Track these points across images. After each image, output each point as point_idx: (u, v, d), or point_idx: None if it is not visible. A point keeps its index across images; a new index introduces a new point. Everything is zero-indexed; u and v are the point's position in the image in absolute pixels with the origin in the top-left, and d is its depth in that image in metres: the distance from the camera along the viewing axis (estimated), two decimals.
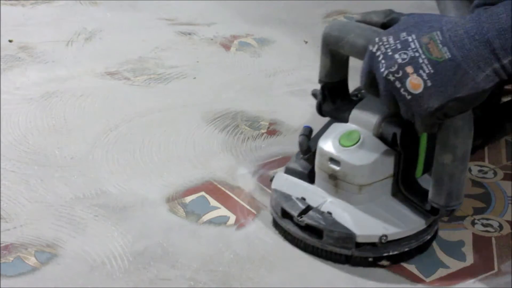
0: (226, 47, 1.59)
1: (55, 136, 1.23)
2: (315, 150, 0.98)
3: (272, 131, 1.26)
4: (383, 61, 0.86)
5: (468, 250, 0.98)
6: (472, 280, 0.94)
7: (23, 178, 1.12)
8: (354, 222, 0.94)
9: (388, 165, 0.94)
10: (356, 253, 0.94)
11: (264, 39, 1.62)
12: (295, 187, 1.00)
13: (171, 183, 1.12)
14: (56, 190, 1.09)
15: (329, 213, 0.95)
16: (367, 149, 0.93)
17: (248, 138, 1.24)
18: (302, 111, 1.33)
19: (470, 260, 0.97)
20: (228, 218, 1.04)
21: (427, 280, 0.94)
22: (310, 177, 1.00)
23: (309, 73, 1.47)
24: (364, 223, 0.94)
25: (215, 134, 1.25)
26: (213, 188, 1.11)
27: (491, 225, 1.03)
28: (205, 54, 1.55)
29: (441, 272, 0.95)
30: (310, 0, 1.83)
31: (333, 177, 0.95)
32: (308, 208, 0.96)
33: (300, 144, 1.00)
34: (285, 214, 0.98)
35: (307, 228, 0.95)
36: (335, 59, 0.98)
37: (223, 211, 1.06)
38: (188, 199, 1.08)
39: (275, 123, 1.29)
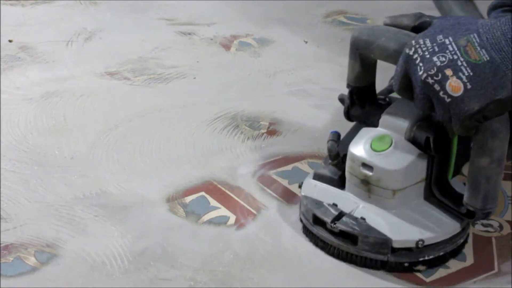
0: (226, 47, 1.59)
1: (55, 136, 1.23)
2: (344, 155, 0.97)
3: (272, 131, 1.26)
4: (421, 64, 0.86)
5: (468, 250, 0.98)
6: (472, 280, 0.94)
7: (23, 178, 1.12)
8: (389, 227, 0.93)
9: (421, 169, 0.94)
10: (391, 259, 0.93)
11: (264, 39, 1.62)
12: (326, 193, 0.99)
13: (171, 183, 1.12)
14: (56, 190, 1.09)
15: (363, 218, 0.94)
16: (400, 154, 0.93)
17: (248, 138, 1.24)
18: (302, 111, 1.33)
19: (470, 260, 0.97)
20: (228, 218, 1.04)
21: (427, 280, 0.94)
22: (340, 183, 0.98)
23: (309, 73, 1.47)
24: (399, 228, 0.93)
25: (215, 134, 1.25)
26: (213, 188, 1.11)
27: (491, 225, 1.03)
28: (205, 54, 1.55)
29: (441, 272, 0.95)
30: (310, 0, 1.83)
31: (366, 182, 0.94)
32: (341, 214, 0.95)
33: (329, 150, 0.99)
34: (317, 221, 0.97)
35: (341, 234, 0.94)
36: (364, 63, 0.97)
37: (223, 211, 1.06)
38: (188, 199, 1.08)
39: (275, 123, 1.29)
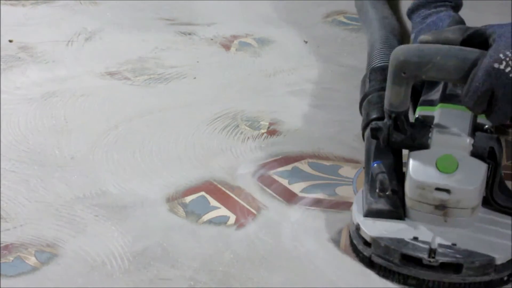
0: (226, 47, 1.59)
1: (55, 136, 1.23)
2: (394, 185, 0.94)
3: (272, 131, 1.26)
4: None
5: None
6: None
7: (23, 178, 1.12)
8: (485, 246, 0.90)
9: (486, 179, 0.93)
10: (495, 276, 0.90)
11: (264, 39, 1.62)
12: (396, 228, 0.93)
13: (171, 183, 1.12)
14: (56, 190, 1.09)
15: (454, 244, 0.90)
16: (470, 170, 0.91)
17: (248, 138, 1.24)
18: (302, 111, 1.33)
19: None
20: (228, 218, 1.04)
21: None
22: (400, 214, 0.95)
23: (309, 73, 1.47)
24: (494, 244, 0.90)
25: (215, 134, 1.25)
26: (213, 188, 1.11)
27: None
28: (205, 54, 1.55)
29: None
30: (310, 0, 1.83)
31: (442, 207, 0.91)
32: (431, 246, 0.90)
33: (382, 183, 0.95)
34: (408, 259, 0.91)
35: (441, 267, 0.89)
36: (409, 86, 0.94)
37: (223, 211, 1.06)
38: (188, 199, 1.08)
39: (275, 123, 1.29)
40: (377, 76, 1.14)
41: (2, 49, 1.53)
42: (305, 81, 1.44)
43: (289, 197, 1.08)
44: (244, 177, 1.13)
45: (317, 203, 1.07)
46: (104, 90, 1.39)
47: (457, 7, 1.23)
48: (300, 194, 1.09)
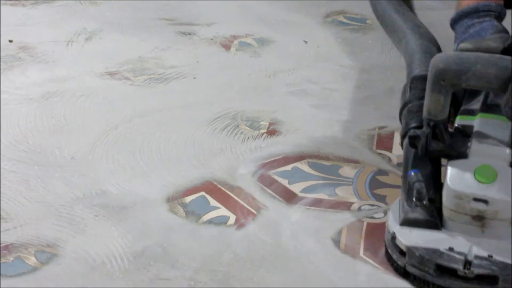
0: (226, 47, 1.59)
1: (55, 136, 1.23)
2: (431, 194, 0.93)
3: (272, 131, 1.26)
4: None
5: None
6: None
7: (23, 178, 1.12)
8: None
9: None
10: None
11: (264, 39, 1.62)
12: (432, 238, 0.92)
13: (171, 183, 1.12)
14: (56, 190, 1.09)
15: (490, 256, 0.89)
16: (509, 181, 0.90)
17: (248, 138, 1.24)
18: (302, 111, 1.33)
19: None
20: (228, 218, 1.04)
21: None
22: (437, 224, 0.93)
23: (309, 73, 1.47)
24: None
25: (215, 134, 1.25)
26: (213, 188, 1.11)
27: None
28: (205, 54, 1.55)
29: None
30: (310, 0, 1.83)
31: (479, 218, 0.90)
32: (467, 257, 0.89)
33: (420, 192, 0.93)
34: (443, 270, 0.89)
35: (477, 278, 0.88)
36: (448, 95, 0.92)
37: (223, 211, 1.06)
38: (188, 199, 1.08)
39: (275, 123, 1.29)
40: (418, 84, 1.11)
41: (2, 49, 1.53)
42: (305, 81, 1.44)
43: (289, 197, 1.08)
44: (244, 177, 1.13)
45: (317, 203, 1.07)
46: (104, 90, 1.39)
47: (500, 17, 1.20)
48: (300, 194, 1.09)
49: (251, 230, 1.02)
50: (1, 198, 1.06)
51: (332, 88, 1.41)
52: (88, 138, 1.22)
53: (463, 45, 0.97)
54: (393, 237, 0.94)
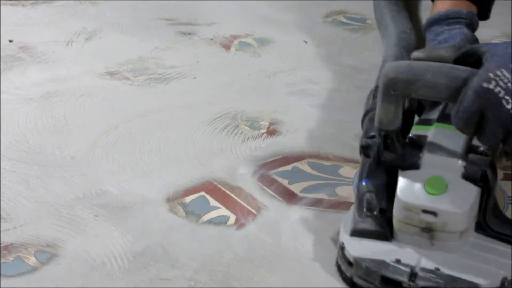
0: (226, 47, 1.59)
1: (55, 136, 1.23)
2: (382, 205, 0.92)
3: (272, 131, 1.26)
4: (507, 97, 0.82)
5: None
6: None
7: (23, 178, 1.12)
8: (471, 272, 0.86)
9: (478, 204, 0.90)
10: None
11: (264, 39, 1.62)
12: (379, 249, 0.90)
13: (171, 183, 1.12)
14: (56, 190, 1.09)
15: (437, 269, 0.87)
16: (460, 193, 0.88)
17: (248, 138, 1.24)
18: (302, 111, 1.33)
19: None
20: (228, 218, 1.04)
21: None
22: (387, 235, 0.91)
23: (309, 73, 1.47)
24: (480, 270, 0.86)
25: (215, 134, 1.25)
26: (213, 188, 1.11)
27: None
28: (205, 54, 1.55)
29: None
30: (310, 0, 1.83)
31: (428, 230, 0.88)
32: (413, 269, 0.87)
33: (369, 202, 0.92)
34: (388, 282, 0.88)
35: None
36: (399, 104, 0.90)
37: (223, 211, 1.06)
38: (188, 199, 1.08)
39: (275, 123, 1.29)
40: None
41: (2, 49, 1.53)
42: (305, 81, 1.44)
43: (289, 197, 1.08)
44: (244, 177, 1.13)
45: (317, 203, 1.07)
46: (104, 90, 1.39)
47: (472, 25, 1.17)
48: (300, 194, 1.09)
49: (251, 230, 1.02)
50: (1, 198, 1.06)
51: (332, 88, 1.41)
52: (88, 138, 1.22)
53: (415, 54, 0.94)
54: (342, 248, 0.92)
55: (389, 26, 1.47)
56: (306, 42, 1.60)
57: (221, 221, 1.03)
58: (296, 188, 1.10)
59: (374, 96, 1.09)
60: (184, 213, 1.05)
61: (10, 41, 1.57)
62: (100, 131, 1.24)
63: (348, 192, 1.09)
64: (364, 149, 0.95)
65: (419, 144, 0.93)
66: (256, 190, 1.10)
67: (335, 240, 0.99)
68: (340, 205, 1.06)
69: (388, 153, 0.93)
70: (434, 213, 0.87)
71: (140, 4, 1.80)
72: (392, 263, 0.88)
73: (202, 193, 1.10)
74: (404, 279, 0.86)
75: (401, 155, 0.93)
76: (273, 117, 1.31)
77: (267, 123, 1.29)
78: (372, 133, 1.00)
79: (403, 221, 0.90)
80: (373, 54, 1.55)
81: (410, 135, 0.96)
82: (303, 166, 1.16)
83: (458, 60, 0.89)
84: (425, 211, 0.88)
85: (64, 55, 1.53)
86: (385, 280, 0.88)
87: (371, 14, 1.65)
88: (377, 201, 0.92)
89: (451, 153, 0.91)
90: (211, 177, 1.13)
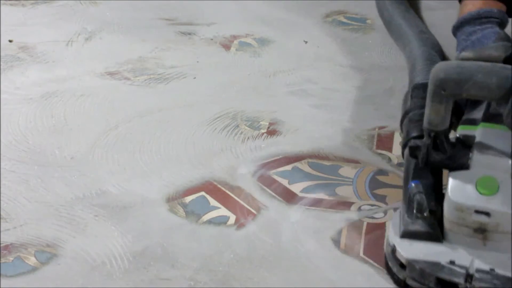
0: (226, 47, 1.59)
1: (55, 136, 1.23)
2: (432, 206, 0.92)
3: (272, 131, 1.26)
4: None
5: None
6: None
7: (23, 178, 1.12)
8: None
9: None
10: None
11: (264, 39, 1.62)
12: (433, 251, 0.90)
13: (171, 183, 1.12)
14: (56, 190, 1.09)
15: (492, 269, 0.87)
16: (510, 192, 0.88)
17: (248, 138, 1.24)
18: (302, 111, 1.33)
19: None
20: (228, 218, 1.04)
21: None
22: (438, 236, 0.92)
23: (309, 73, 1.47)
24: None
25: (215, 134, 1.25)
26: (213, 188, 1.11)
27: None
28: (205, 54, 1.55)
29: None
30: (310, 0, 1.83)
31: (481, 230, 0.89)
32: (469, 271, 0.87)
33: (420, 204, 0.92)
34: (443, 284, 0.88)
35: None
36: (449, 104, 0.91)
37: (223, 211, 1.06)
38: (188, 199, 1.08)
39: (275, 123, 1.29)
40: (419, 93, 1.09)
41: (2, 49, 1.53)
42: (305, 81, 1.44)
43: (289, 197, 1.08)
44: (244, 177, 1.13)
45: (317, 203, 1.07)
46: (104, 90, 1.39)
47: (503, 23, 1.18)
48: (300, 194, 1.09)
49: (251, 230, 1.02)
50: (1, 198, 1.06)
51: (332, 88, 1.41)
52: (88, 138, 1.22)
53: (464, 53, 0.95)
54: (393, 250, 0.92)
55: (403, 25, 1.46)
56: (306, 42, 1.60)
57: (221, 221, 1.03)
58: (296, 188, 1.10)
59: (412, 97, 1.09)
60: (184, 213, 1.05)
61: (10, 41, 1.57)
62: (100, 131, 1.24)
63: (348, 192, 1.09)
64: (412, 150, 0.96)
65: (467, 144, 0.93)
66: (256, 190, 1.10)
67: (336, 240, 1.00)
68: (340, 205, 1.07)
69: (437, 153, 0.93)
70: (487, 214, 0.88)
71: (140, 4, 1.80)
72: (446, 265, 0.88)
73: (202, 193, 1.10)
74: (460, 280, 0.86)
75: (450, 156, 0.93)
76: (273, 117, 1.31)
77: (267, 123, 1.29)
78: (415, 134, 1.01)
79: (455, 221, 0.90)
80: (373, 54, 1.55)
81: (457, 135, 0.96)
82: (303, 166, 1.16)
83: (508, 60, 0.90)
84: (477, 212, 0.88)
85: (64, 55, 1.53)
86: (440, 281, 0.88)
87: (371, 14, 1.66)
88: (427, 202, 0.92)
89: (501, 153, 0.91)
90: (211, 177, 1.13)
